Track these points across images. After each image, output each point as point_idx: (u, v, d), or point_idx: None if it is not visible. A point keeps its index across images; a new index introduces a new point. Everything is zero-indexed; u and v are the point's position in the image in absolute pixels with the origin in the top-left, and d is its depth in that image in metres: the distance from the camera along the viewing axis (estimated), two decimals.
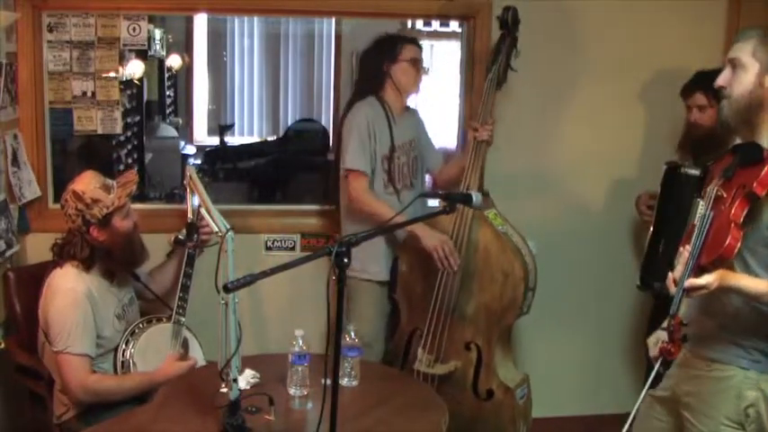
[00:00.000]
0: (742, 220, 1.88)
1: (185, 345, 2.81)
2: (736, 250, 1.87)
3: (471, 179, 2.96)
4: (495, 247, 2.93)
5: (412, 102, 3.30)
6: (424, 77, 3.17)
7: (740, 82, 1.99)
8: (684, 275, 1.89)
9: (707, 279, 1.86)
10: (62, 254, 2.65)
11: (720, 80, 2.03)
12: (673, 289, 1.93)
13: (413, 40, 3.20)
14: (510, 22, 2.98)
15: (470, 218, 2.93)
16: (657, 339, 2.14)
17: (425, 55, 3.31)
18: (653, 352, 2.13)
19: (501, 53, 3.00)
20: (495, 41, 3.36)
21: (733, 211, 1.88)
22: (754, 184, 1.88)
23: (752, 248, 1.95)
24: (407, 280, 3.09)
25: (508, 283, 2.90)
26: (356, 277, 3.09)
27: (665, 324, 2.02)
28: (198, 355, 2.84)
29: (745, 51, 1.98)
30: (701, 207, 1.99)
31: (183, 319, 2.78)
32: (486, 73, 3.03)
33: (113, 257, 2.65)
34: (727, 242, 1.86)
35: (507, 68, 3.01)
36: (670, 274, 1.97)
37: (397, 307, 3.17)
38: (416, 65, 3.10)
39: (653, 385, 2.39)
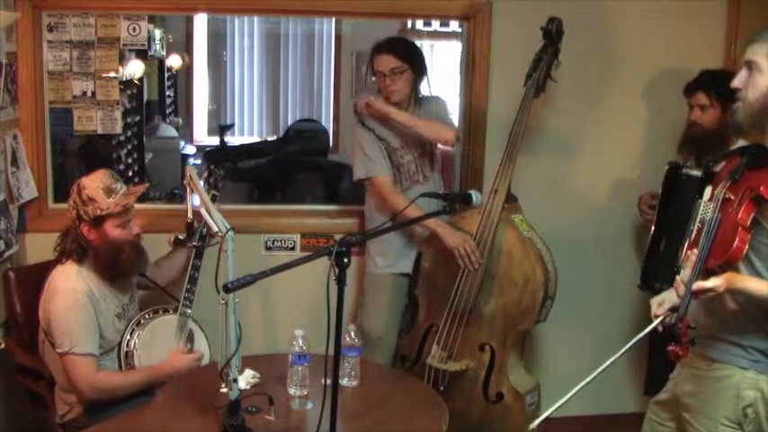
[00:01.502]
0: (749, 223, 1.88)
1: (191, 337, 2.81)
2: (743, 253, 1.87)
3: (501, 183, 2.97)
4: (519, 252, 2.94)
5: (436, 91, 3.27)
6: (424, 82, 3.12)
7: (756, 85, 1.96)
8: (692, 278, 1.89)
9: (714, 282, 1.86)
10: (64, 249, 2.64)
11: (736, 82, 2.01)
12: (681, 292, 1.92)
13: (382, 49, 3.08)
14: (554, 33, 2.96)
15: (497, 220, 2.94)
16: (663, 300, 2.12)
17: (427, 53, 3.24)
18: (655, 310, 2.12)
19: (542, 62, 2.99)
20: (495, 42, 3.39)
21: (740, 215, 1.88)
22: (761, 188, 1.88)
23: (757, 248, 1.95)
24: (429, 276, 3.11)
25: (528, 288, 2.90)
26: (369, 272, 3.18)
27: (666, 297, 2.04)
28: (203, 348, 2.85)
29: (761, 54, 1.96)
30: (705, 209, 1.98)
31: (190, 311, 2.79)
32: (526, 80, 3.02)
33: (100, 260, 2.62)
34: (734, 245, 1.86)
35: (547, 78, 3.00)
36: (678, 277, 1.97)
37: (416, 302, 3.19)
38: (381, 76, 3.04)
39: (650, 341, 2.38)
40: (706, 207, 1.98)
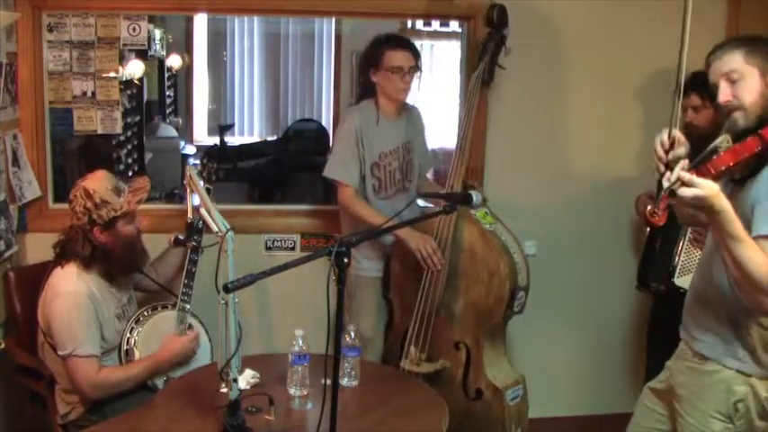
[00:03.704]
0: (747, 152, 1.86)
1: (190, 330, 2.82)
2: (728, 163, 1.85)
3: (455, 180, 2.95)
4: (481, 246, 2.92)
5: (412, 100, 3.20)
6: (416, 82, 3.04)
7: (747, 90, 1.98)
8: (678, 170, 1.85)
9: (705, 182, 1.81)
10: (64, 252, 2.64)
11: (722, 97, 2.01)
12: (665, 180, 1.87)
13: (401, 43, 3.06)
14: (495, 20, 2.95)
15: (455, 216, 2.92)
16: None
17: (425, 55, 3.22)
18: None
19: (487, 52, 2.98)
20: None
21: (743, 143, 1.88)
22: (765, 130, 1.89)
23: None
24: (399, 279, 3.11)
25: (494, 281, 2.88)
26: (354, 274, 3.14)
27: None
28: (203, 342, 2.86)
29: (736, 62, 1.99)
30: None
31: (188, 306, 2.79)
32: (472, 71, 3.01)
33: (112, 260, 2.65)
34: (722, 155, 1.85)
35: (494, 67, 2.99)
36: (668, 172, 1.89)
37: (392, 305, 3.18)
38: (399, 72, 2.98)
39: (649, 343, 2.22)
40: None
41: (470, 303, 2.95)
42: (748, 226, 1.90)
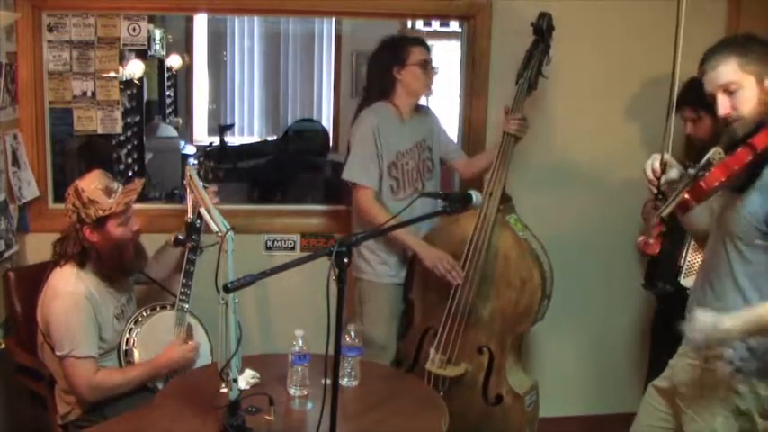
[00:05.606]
0: (736, 166, 1.86)
1: (189, 331, 2.81)
2: (714, 185, 1.85)
3: (495, 186, 2.93)
4: (515, 253, 2.92)
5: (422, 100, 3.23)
6: (435, 77, 3.10)
7: (745, 100, 1.98)
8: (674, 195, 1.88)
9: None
10: (59, 250, 2.64)
11: (722, 110, 2.01)
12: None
13: (420, 41, 3.13)
14: (545, 29, 2.94)
15: (492, 222, 2.91)
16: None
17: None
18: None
19: (533, 59, 2.96)
20: (495, 42, 3.39)
21: (733, 155, 1.88)
22: (754, 139, 1.90)
23: (747, 259, 1.99)
24: (424, 280, 3.07)
25: (525, 290, 2.89)
26: (368, 280, 3.10)
27: None
28: (203, 341, 2.85)
29: (732, 73, 1.98)
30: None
31: (187, 306, 2.78)
32: (517, 79, 2.99)
33: (102, 260, 2.63)
34: (713, 171, 1.86)
35: (539, 75, 2.98)
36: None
37: (412, 306, 3.16)
38: (426, 67, 3.04)
39: (652, 346, 2.25)
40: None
41: (499, 309, 2.94)
42: (758, 231, 1.93)
